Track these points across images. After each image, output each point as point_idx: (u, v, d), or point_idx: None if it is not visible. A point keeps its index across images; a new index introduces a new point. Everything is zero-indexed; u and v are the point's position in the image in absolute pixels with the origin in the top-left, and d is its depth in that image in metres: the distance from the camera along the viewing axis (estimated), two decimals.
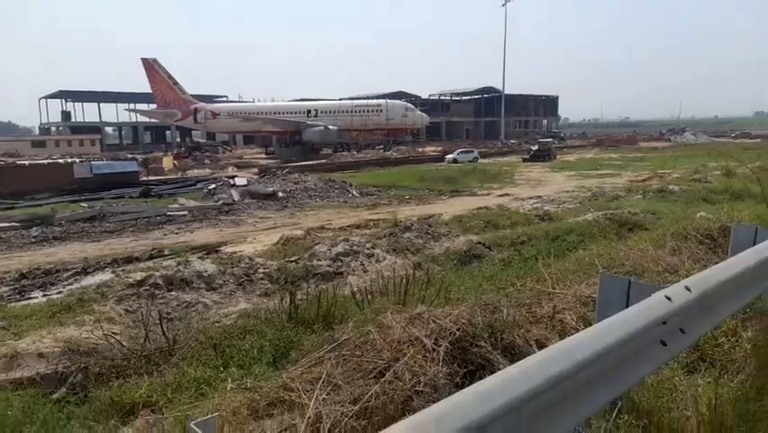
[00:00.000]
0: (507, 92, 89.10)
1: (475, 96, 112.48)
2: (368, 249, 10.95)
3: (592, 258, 7.80)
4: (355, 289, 7.74)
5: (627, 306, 3.41)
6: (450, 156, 46.52)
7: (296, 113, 63.69)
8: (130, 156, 48.87)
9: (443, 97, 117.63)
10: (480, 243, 11.68)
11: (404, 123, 62.00)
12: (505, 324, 4.37)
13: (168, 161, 42.48)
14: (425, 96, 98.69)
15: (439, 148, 67.54)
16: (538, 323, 4.94)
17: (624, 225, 12.70)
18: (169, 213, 19.74)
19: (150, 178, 34.93)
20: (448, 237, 12.34)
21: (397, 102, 67.87)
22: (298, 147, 59.25)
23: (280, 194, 23.70)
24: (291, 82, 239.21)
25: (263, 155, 64.69)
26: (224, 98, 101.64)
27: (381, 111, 62.21)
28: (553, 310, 5.13)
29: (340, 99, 73.58)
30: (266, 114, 63.61)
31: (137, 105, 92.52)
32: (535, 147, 48.44)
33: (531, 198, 22.14)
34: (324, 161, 49.09)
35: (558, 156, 48.89)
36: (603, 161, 43.56)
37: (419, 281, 6.91)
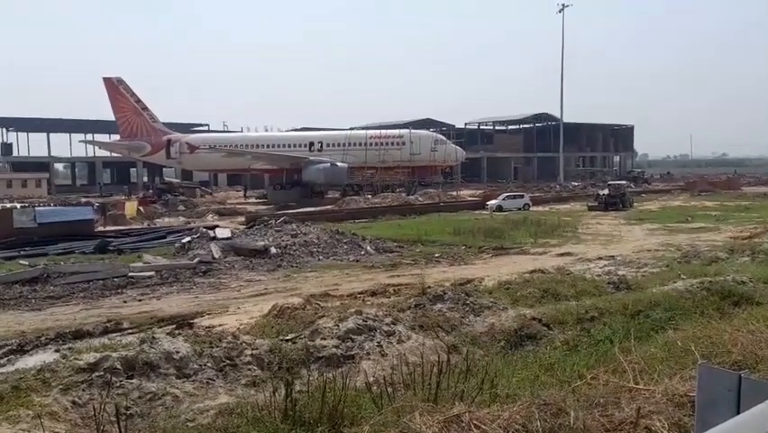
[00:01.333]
0: (566, 119, 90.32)
1: (525, 126, 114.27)
2: (387, 325, 10.91)
3: (687, 342, 7.67)
4: (371, 379, 7.67)
5: (739, 411, 3.30)
6: (493, 202, 46.82)
7: (295, 146, 65.47)
8: (84, 200, 50.40)
9: (484, 127, 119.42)
10: (535, 318, 11.56)
11: (433, 159, 62.98)
12: (573, 432, 4.28)
13: (131, 207, 43.52)
14: (459, 124, 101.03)
15: (479, 191, 68.05)
16: (617, 431, 4.83)
17: (727, 297, 12.46)
18: (131, 274, 20.05)
19: (109, 228, 35.68)
20: (492, 310, 12.25)
21: (424, 132, 69.29)
22: (297, 189, 60.48)
23: (273, 250, 23.97)
24: (289, 107, 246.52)
25: (253, 199, 66.13)
26: (205, 128, 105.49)
27: (404, 143, 63.52)
28: (636, 414, 4.99)
29: (351, 129, 75.37)
30: (257, 147, 65.65)
31: (95, 135, 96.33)
32: (605, 191, 48.45)
33: (601, 258, 22.13)
34: (330, 207, 49.78)
35: (635, 203, 48.87)
36: (695, 210, 43.51)
37: (455, 370, 6.85)
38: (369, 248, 25.64)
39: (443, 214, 42.39)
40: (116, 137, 74.56)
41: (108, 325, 13.51)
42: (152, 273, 20.28)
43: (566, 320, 11.51)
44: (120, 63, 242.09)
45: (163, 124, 70.38)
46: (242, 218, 40.71)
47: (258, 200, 63.58)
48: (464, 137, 77.96)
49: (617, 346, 7.94)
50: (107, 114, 71.63)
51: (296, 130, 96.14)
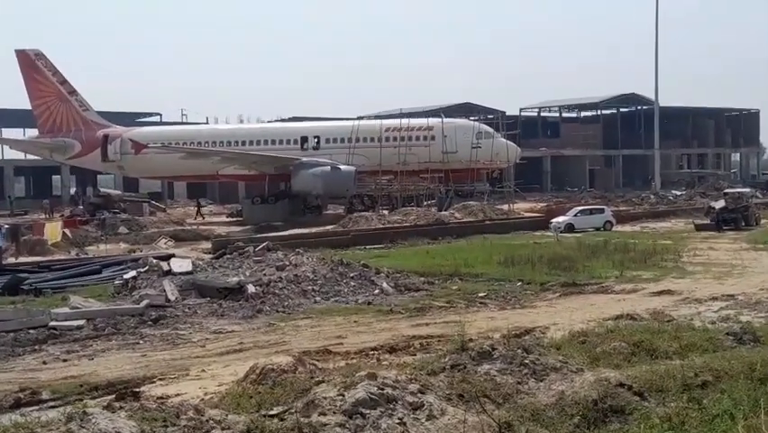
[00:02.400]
0: (663, 102, 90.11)
1: (605, 112, 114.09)
2: (412, 394, 10.87)
3: None
4: None
5: None
6: (560, 220, 46.78)
7: (281, 142, 66.43)
8: None
9: (547, 114, 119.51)
10: (622, 385, 11.46)
11: (475, 158, 63.29)
12: None
13: (53, 230, 44.05)
14: (512, 110, 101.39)
15: (540, 204, 68.20)
16: None
17: None
18: (53, 323, 20.21)
19: (23, 259, 36.09)
20: (562, 373, 12.17)
21: (463, 122, 69.83)
22: (285, 203, 61.30)
23: (251, 289, 24.07)
24: (273, 91, 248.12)
25: (224, 217, 67.27)
26: (156, 118, 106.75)
27: (434, 137, 64.08)
28: None
29: (359, 118, 75.63)
30: (228, 144, 66.60)
31: (3, 130, 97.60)
32: (720, 203, 47.99)
33: (716, 298, 22.02)
34: (330, 228, 50.23)
35: (763, 220, 48.47)
36: None
37: None
38: (385, 285, 25.66)
39: (490, 236, 42.42)
40: (33, 133, 75.53)
41: (21, 395, 13.59)
42: (82, 322, 20.43)
43: (667, 387, 11.40)
44: (39, 32, 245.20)
45: (98, 113, 71.26)
46: (208, 244, 41.02)
47: (230, 219, 64.09)
48: (519, 128, 78.06)
49: (742, 424, 7.85)
50: (21, 101, 72.85)
51: (282, 121, 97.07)
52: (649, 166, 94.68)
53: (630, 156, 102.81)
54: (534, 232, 45.58)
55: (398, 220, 49.86)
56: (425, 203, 59.51)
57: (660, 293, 23.53)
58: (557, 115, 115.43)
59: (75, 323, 20.33)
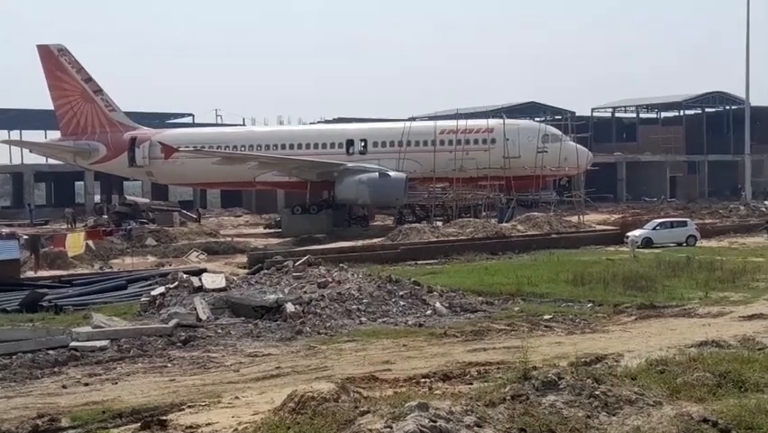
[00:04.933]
0: (754, 102, 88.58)
1: (688, 113, 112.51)
2: (468, 428, 10.83)
3: None
4: None
5: None
6: (637, 234, 46.25)
7: (324, 146, 66.86)
8: (5, 231, 51.82)
9: (622, 115, 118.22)
10: (707, 420, 11.29)
11: (540, 164, 62.78)
12: None
13: (76, 241, 44.70)
14: (583, 110, 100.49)
15: (614, 216, 67.37)
16: None
17: None
18: (74, 344, 20.53)
19: (43, 273, 36.73)
20: (637, 406, 12.01)
21: (527, 123, 69.48)
22: (328, 213, 61.68)
23: (291, 307, 24.19)
24: (318, 91, 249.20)
25: (261, 229, 67.92)
26: (188, 120, 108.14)
27: (494, 141, 64.00)
28: None
29: (411, 119, 75.61)
30: (266, 148, 67.14)
31: (23, 132, 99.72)
32: None
33: None
34: (378, 240, 50.43)
35: None
36: None
37: None
38: (438, 305, 25.62)
39: (557, 252, 42.29)
40: (55, 135, 76.98)
41: (39, 422, 13.79)
42: (106, 343, 20.70)
43: (758, 424, 11.23)
44: (62, 26, 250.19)
45: (126, 114, 72.34)
46: (244, 258, 41.36)
47: (267, 230, 64.56)
48: (591, 130, 77.47)
49: None
50: (42, 101, 74.26)
51: (326, 122, 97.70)
52: (738, 173, 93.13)
53: (717, 162, 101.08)
54: (608, 247, 45.20)
55: (454, 233, 49.76)
56: (484, 214, 59.24)
57: (750, 317, 23.16)
58: (634, 115, 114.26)
59: (98, 343, 20.60)
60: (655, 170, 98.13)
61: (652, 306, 25.42)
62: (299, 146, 66.87)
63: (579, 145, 65.09)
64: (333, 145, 66.32)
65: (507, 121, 65.58)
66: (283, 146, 66.85)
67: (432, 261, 40.11)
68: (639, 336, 20.81)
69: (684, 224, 49.46)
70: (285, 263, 30.79)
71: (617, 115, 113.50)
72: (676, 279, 30.52)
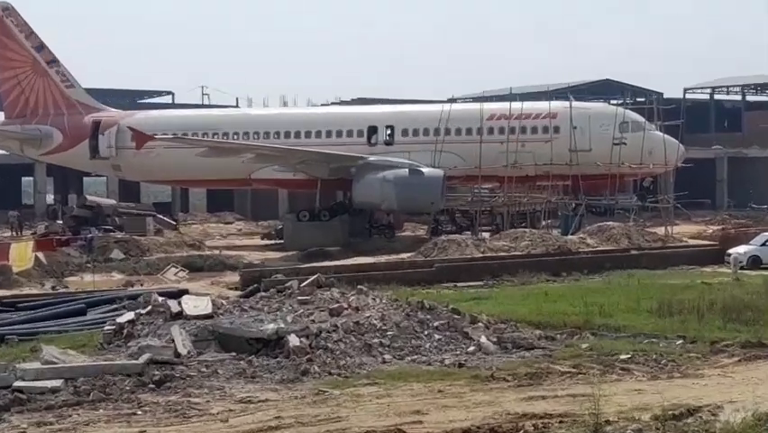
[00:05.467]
0: None
1: None
2: None
3: None
4: None
5: None
6: (741, 250, 45.91)
7: (339, 134, 67.15)
8: None
9: (722, 97, 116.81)
10: None
11: (617, 159, 62.50)
12: None
13: (21, 252, 44.95)
14: (672, 91, 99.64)
15: (711, 227, 66.85)
16: None
17: None
18: (18, 383, 20.53)
19: None
20: None
21: (599, 107, 69.60)
22: (343, 220, 61.87)
23: (295, 340, 24.16)
24: (333, 66, 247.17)
25: (258, 239, 68.00)
26: (167, 99, 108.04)
27: (558, 129, 64.08)
28: None
29: (450, 100, 75.12)
30: (264, 136, 67.43)
31: None
32: None
33: None
34: (407, 255, 50.39)
35: None
36: None
37: None
38: (484, 340, 25.54)
39: (638, 273, 41.97)
40: None
41: None
42: (59, 384, 20.64)
43: None
44: None
45: (88, 91, 72.47)
46: (235, 277, 41.38)
47: (266, 241, 64.65)
48: (683, 117, 76.69)
49: None
50: None
51: (342, 104, 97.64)
52: None
53: None
54: (703, 268, 44.84)
55: (505, 247, 49.73)
56: (544, 223, 59.11)
57: None
58: (738, 98, 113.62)
59: (49, 384, 20.52)
60: (766, 169, 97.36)
61: (760, 344, 25.10)
62: (307, 134, 67.21)
63: (667, 136, 64.86)
64: (350, 133, 66.62)
65: (575, 104, 65.54)
66: (287, 134, 67.14)
67: (476, 283, 40.02)
68: (743, 383, 20.54)
69: None
70: (288, 284, 30.74)
71: (716, 97, 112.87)
72: None
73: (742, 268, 42.79)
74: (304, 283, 30.46)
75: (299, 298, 28.67)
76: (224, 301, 30.12)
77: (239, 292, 34.52)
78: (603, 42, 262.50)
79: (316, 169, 63.46)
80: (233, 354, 24.04)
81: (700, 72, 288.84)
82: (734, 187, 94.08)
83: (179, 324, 25.91)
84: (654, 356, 24.06)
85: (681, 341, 26.03)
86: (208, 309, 27.45)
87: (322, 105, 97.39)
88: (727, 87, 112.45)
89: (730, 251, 46.09)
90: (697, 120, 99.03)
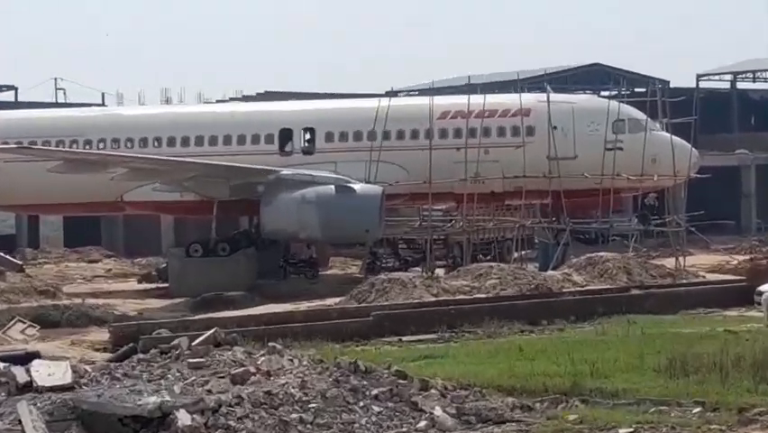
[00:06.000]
0: None
1: None
2: None
3: None
4: None
5: None
6: None
7: (242, 139, 67.02)
8: None
9: (749, 85, 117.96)
10: None
11: (610, 169, 62.81)
12: None
13: None
14: (682, 79, 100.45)
15: (736, 257, 67.30)
16: None
17: None
18: None
19: None
20: None
21: (586, 101, 71.19)
22: (248, 255, 62.03)
23: (184, 419, 24.04)
24: (232, 51, 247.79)
25: (133, 283, 67.46)
26: (9, 96, 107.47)
27: (531, 129, 64.67)
28: None
29: (391, 94, 74.89)
30: (141, 143, 67.67)
31: None
32: None
33: None
34: (335, 301, 50.29)
35: None
36: None
37: None
38: (440, 412, 25.42)
39: (641, 319, 42.10)
40: None
41: None
42: None
43: None
44: None
45: None
46: (104, 335, 41.08)
47: (146, 285, 64.25)
48: (697, 112, 77.17)
49: None
50: None
51: (245, 99, 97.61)
52: None
53: None
54: (726, 311, 45.33)
55: (465, 288, 49.61)
56: (516, 255, 59.42)
57: None
58: (766, 87, 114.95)
59: None
60: None
61: None
62: (199, 141, 67.21)
63: (676, 137, 65.39)
64: (256, 139, 66.69)
65: (554, 97, 65.93)
66: (171, 141, 67.14)
67: (428, 336, 40.07)
68: None
69: None
70: (175, 343, 30.64)
71: (739, 85, 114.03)
72: None
73: None
74: (196, 341, 30.31)
75: (190, 361, 28.48)
76: (88, 367, 29.84)
77: (109, 355, 34.27)
78: (590, 16, 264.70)
79: (212, 187, 63.16)
80: None
81: (718, 54, 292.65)
82: (765, 204, 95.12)
83: (28, 399, 25.71)
84: (665, 430, 23.91)
85: (699, 409, 25.90)
86: (67, 379, 27.23)
87: (218, 101, 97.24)
88: (754, 72, 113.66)
89: (762, 288, 46.53)
90: (715, 116, 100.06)
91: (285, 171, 62.03)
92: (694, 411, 25.91)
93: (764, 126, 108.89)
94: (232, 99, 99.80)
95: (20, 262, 68.80)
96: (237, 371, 27.08)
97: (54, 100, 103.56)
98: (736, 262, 64.46)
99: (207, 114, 77.22)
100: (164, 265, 65.04)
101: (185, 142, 66.48)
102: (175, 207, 67.37)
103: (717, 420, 25.03)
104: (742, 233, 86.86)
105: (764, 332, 37.50)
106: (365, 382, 26.86)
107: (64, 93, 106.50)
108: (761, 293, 44.59)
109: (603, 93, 77.49)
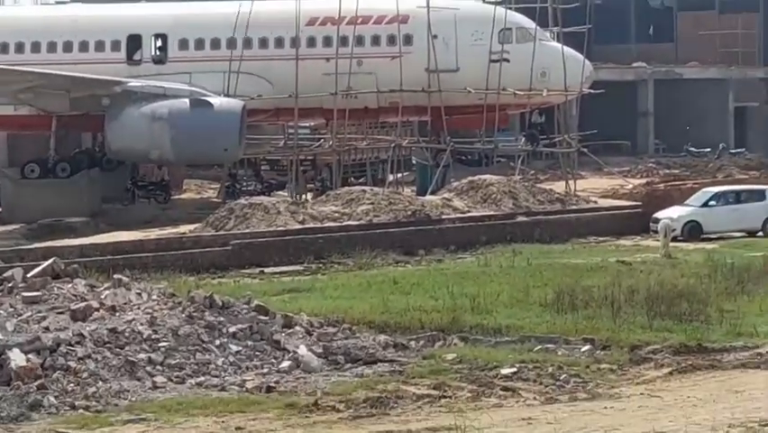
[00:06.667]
0: None
1: None
2: None
3: None
4: None
5: None
6: (673, 214, 46.98)
7: (84, 46, 65.98)
8: None
9: None
10: None
11: (496, 84, 62.90)
12: None
13: None
14: None
15: (632, 181, 67.99)
16: None
17: None
18: None
19: None
20: None
21: (470, 7, 70.10)
22: (90, 177, 61.06)
23: (17, 359, 23.77)
24: None
25: None
26: None
27: (409, 37, 64.37)
28: None
29: None
30: None
31: None
32: None
33: None
34: (190, 229, 50.23)
35: None
36: None
37: None
38: (304, 351, 25.53)
39: (527, 248, 42.90)
40: None
41: None
42: None
43: None
44: None
45: None
46: None
47: None
48: (591, 20, 77.27)
49: None
50: None
51: (89, 0, 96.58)
52: None
53: None
54: (620, 239, 45.96)
55: (335, 214, 49.74)
56: (391, 177, 59.48)
57: None
58: None
59: None
60: (709, 96, 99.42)
61: (700, 348, 25.73)
62: (35, 47, 66.05)
63: (568, 48, 65.88)
64: (100, 46, 65.79)
65: (436, 2, 65.58)
66: (3, 47, 65.87)
67: (292, 268, 40.16)
68: (676, 406, 21.02)
69: (762, 195, 50.38)
70: (8, 274, 30.35)
71: None
72: (745, 298, 30.97)
73: (674, 240, 43.74)
74: (32, 273, 30.05)
75: (25, 294, 28.25)
76: None
77: None
78: None
79: (50, 100, 62.31)
80: None
81: None
82: (663, 123, 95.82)
83: None
84: (551, 369, 24.30)
85: (588, 347, 26.40)
86: None
87: (57, 2, 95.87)
88: None
89: (658, 215, 47.10)
90: (611, 25, 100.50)
91: (133, 83, 61.42)
92: (583, 349, 26.39)
93: (664, 37, 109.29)
94: (73, 1, 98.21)
95: None
96: (78, 306, 26.92)
97: None
98: (631, 186, 64.74)
99: (45, 17, 75.58)
100: None
101: (19, 48, 65.27)
102: (7, 121, 66.13)
103: (608, 359, 25.54)
104: (638, 154, 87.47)
105: (660, 263, 38.07)
106: (222, 319, 26.91)
107: None
108: (657, 220, 45.33)
109: None
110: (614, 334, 27.19)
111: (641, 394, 22.48)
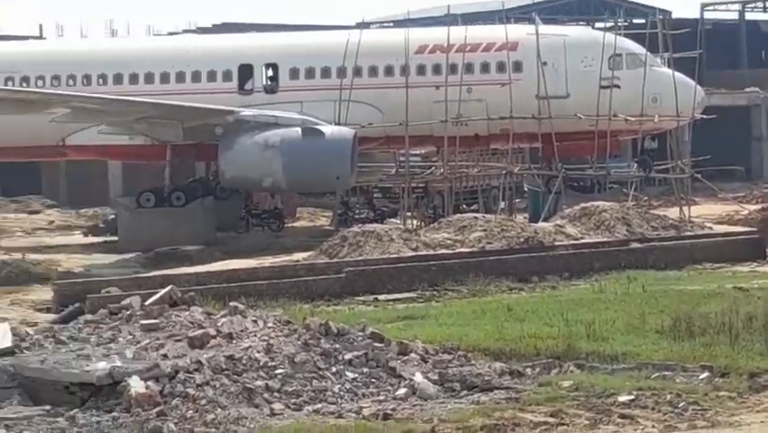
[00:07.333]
0: None
1: None
2: None
3: None
4: None
5: None
6: None
7: (197, 76, 66.74)
8: None
9: (759, 15, 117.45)
10: None
11: (609, 111, 62.56)
12: None
13: None
14: (684, 9, 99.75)
15: (748, 206, 66.96)
16: None
17: None
18: None
19: None
20: None
21: (579, 34, 70.72)
22: (205, 206, 62.03)
23: (137, 386, 23.95)
24: None
25: (78, 236, 67.22)
26: None
27: (518, 64, 64.51)
28: None
29: (363, 26, 74.55)
30: (84, 81, 66.92)
31: None
32: None
33: None
34: (304, 256, 50.34)
35: None
36: None
37: None
38: (420, 379, 25.41)
39: (641, 275, 42.36)
40: None
41: None
42: None
43: None
44: None
45: None
46: (47, 294, 40.92)
47: (92, 239, 63.94)
48: (702, 46, 76.88)
49: None
50: None
51: (200, 32, 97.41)
52: None
53: None
54: (736, 265, 45.45)
55: (447, 241, 49.66)
56: (503, 204, 59.36)
57: None
58: None
59: None
60: None
61: None
62: (149, 78, 66.83)
63: (679, 74, 65.23)
64: (213, 76, 66.45)
65: (544, 29, 65.57)
66: (118, 78, 66.72)
67: (406, 295, 40.13)
68: None
69: None
70: (125, 302, 30.57)
71: (749, 16, 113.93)
72: None
73: None
74: (149, 301, 30.24)
75: (143, 322, 28.41)
76: (30, 330, 29.79)
77: (53, 316, 34.16)
78: None
79: (164, 129, 62.79)
80: (47, 407, 23.85)
81: None
82: None
83: None
84: (669, 397, 23.95)
85: (706, 374, 26.00)
86: (7, 342, 27.22)
87: (169, 34, 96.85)
88: (765, 0, 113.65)
89: None
90: (722, 50, 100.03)
91: (245, 112, 61.81)
92: (701, 377, 25.93)
93: None
94: (185, 32, 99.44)
95: None
96: (195, 333, 27.02)
97: None
98: (746, 211, 64.36)
99: (157, 48, 76.62)
100: (112, 217, 64.77)
101: (133, 79, 65.96)
102: (123, 151, 66.94)
103: (727, 387, 25.04)
104: (752, 179, 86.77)
105: None
106: (337, 346, 26.82)
107: None
108: None
109: (598, 24, 77.28)
110: (732, 361, 26.77)
111: (761, 422, 22.18)
